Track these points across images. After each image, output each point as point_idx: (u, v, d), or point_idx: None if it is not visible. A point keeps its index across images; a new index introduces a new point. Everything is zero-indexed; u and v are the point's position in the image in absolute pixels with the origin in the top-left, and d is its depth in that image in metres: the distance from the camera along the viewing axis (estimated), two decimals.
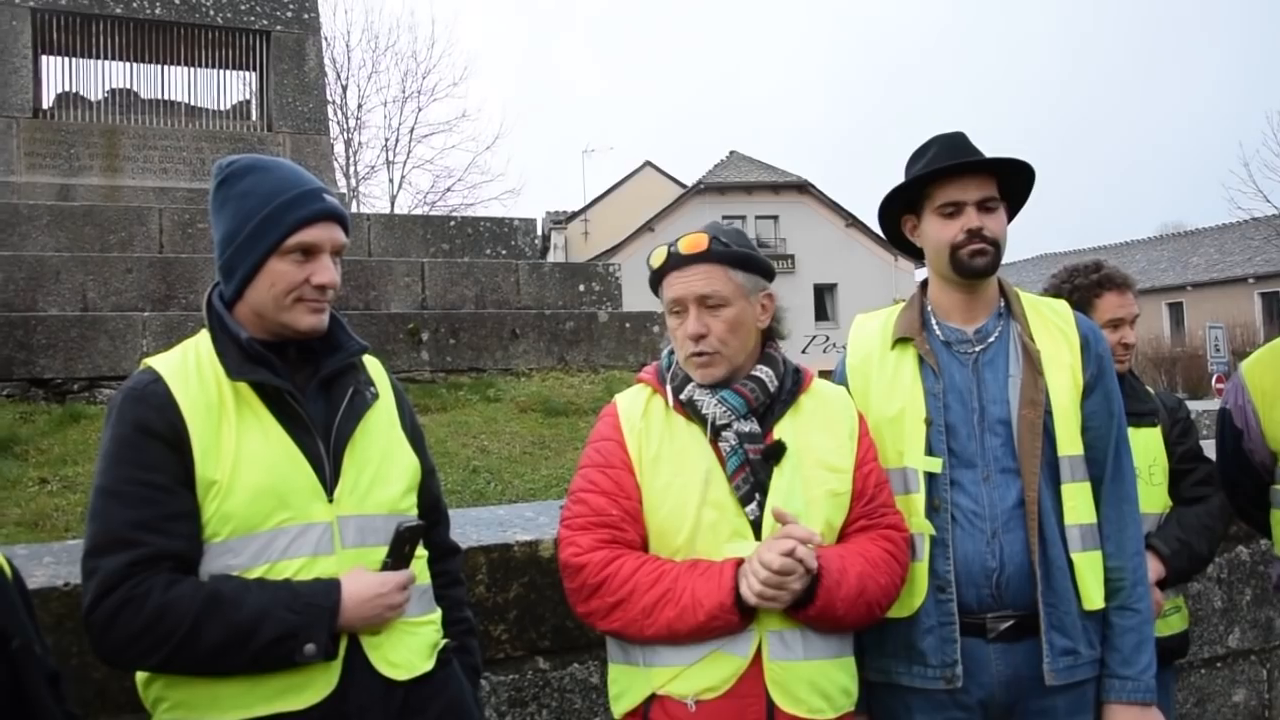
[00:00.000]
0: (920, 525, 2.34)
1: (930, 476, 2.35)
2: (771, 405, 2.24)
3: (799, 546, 2.01)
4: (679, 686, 2.11)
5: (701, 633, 2.07)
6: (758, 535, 2.13)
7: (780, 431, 2.21)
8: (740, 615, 2.05)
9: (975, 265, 2.41)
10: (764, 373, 2.25)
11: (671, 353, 2.33)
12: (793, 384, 2.28)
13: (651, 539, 2.19)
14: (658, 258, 2.27)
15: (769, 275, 2.29)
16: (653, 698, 2.14)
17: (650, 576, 2.10)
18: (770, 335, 2.33)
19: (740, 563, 2.07)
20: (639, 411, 2.27)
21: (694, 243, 2.21)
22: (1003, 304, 2.51)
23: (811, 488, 2.18)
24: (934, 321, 2.50)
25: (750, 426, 2.19)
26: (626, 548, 2.16)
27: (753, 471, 2.16)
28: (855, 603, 2.12)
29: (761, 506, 2.14)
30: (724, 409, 2.18)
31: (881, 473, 2.31)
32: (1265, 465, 3.04)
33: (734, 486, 2.16)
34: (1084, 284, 3.20)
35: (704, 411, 2.19)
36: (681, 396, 2.24)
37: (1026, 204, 2.55)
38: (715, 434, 2.19)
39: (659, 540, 2.18)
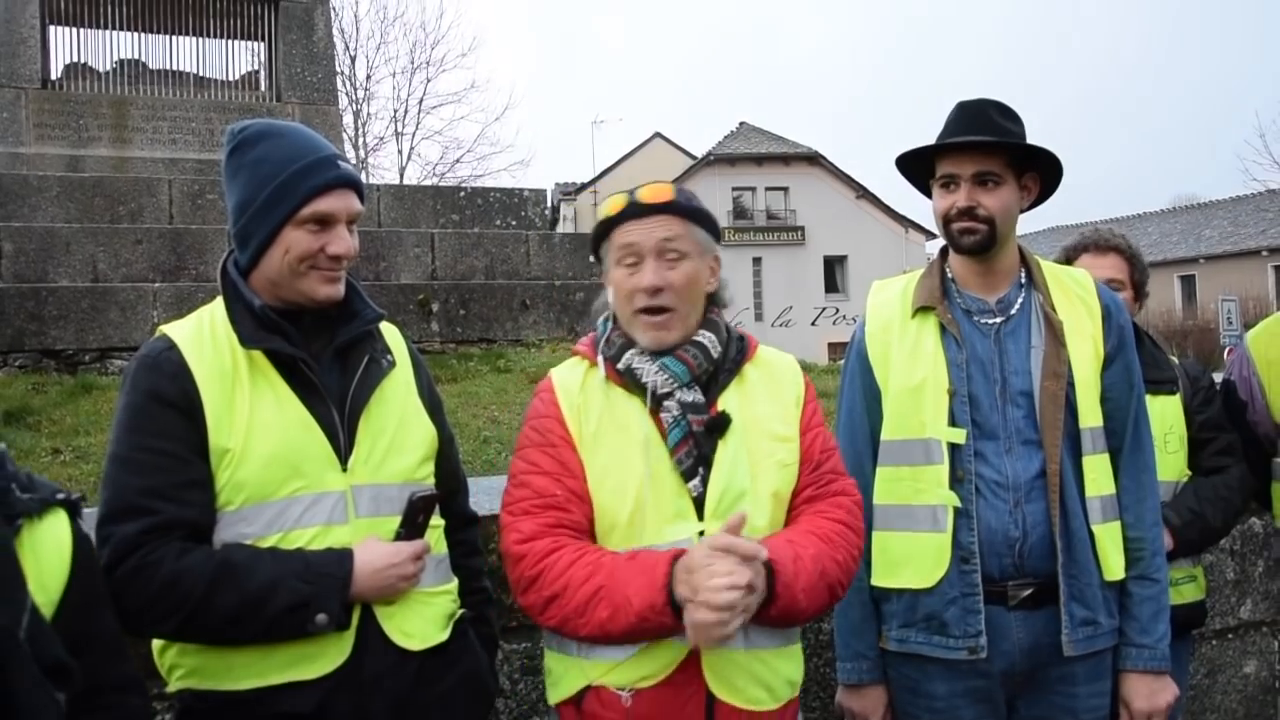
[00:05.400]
0: (944, 496, 2.32)
1: (954, 447, 2.33)
2: (716, 374, 2.06)
3: (740, 571, 1.77)
4: (616, 678, 1.97)
5: (636, 634, 1.88)
6: (700, 514, 1.97)
7: (725, 402, 2.04)
8: (675, 617, 1.82)
9: (963, 243, 2.38)
10: (707, 338, 2.05)
11: (607, 320, 2.14)
12: (737, 352, 2.10)
13: (596, 521, 2.01)
14: (614, 205, 2.06)
15: (720, 238, 2.16)
16: (588, 687, 2.00)
17: (585, 570, 1.90)
18: (712, 301, 2.14)
19: (677, 556, 1.85)
20: (576, 385, 2.08)
21: (658, 191, 2.03)
22: (1024, 274, 2.47)
23: (758, 460, 2.01)
24: (955, 290, 2.47)
25: (694, 396, 2.01)
26: (572, 531, 1.98)
27: (696, 445, 1.98)
28: (816, 589, 1.91)
29: (705, 482, 1.97)
30: (665, 376, 1.99)
31: (828, 438, 2.13)
32: (1269, 437, 3.02)
33: (676, 461, 1.98)
34: (1069, 245, 3.20)
35: (644, 380, 2.00)
36: (619, 365, 2.04)
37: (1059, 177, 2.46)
38: (656, 404, 2.00)
39: (602, 521, 2.00)
